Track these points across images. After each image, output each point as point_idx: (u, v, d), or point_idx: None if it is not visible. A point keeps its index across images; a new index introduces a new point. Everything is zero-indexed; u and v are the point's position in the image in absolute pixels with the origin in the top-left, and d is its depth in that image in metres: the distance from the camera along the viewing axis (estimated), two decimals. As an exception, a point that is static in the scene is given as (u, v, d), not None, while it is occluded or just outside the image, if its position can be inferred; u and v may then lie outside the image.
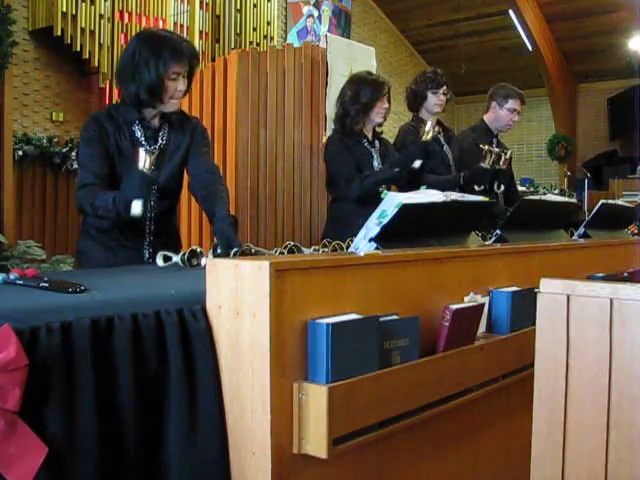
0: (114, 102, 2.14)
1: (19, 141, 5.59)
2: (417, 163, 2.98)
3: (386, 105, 3.09)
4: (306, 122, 4.05)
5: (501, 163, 3.37)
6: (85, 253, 2.29)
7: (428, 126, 3.04)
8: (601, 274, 2.38)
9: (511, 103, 3.66)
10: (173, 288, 1.43)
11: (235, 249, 1.85)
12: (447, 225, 1.96)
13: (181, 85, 2.15)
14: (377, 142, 3.16)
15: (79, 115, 6.41)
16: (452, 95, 3.66)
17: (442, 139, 3.59)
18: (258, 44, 7.22)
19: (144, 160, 1.97)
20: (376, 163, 3.11)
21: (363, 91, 3.04)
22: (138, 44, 2.14)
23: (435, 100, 3.51)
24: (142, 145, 2.16)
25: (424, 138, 3.03)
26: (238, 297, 1.29)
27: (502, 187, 3.57)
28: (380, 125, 3.19)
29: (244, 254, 1.91)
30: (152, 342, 1.26)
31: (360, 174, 3.00)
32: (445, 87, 3.52)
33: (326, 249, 2.16)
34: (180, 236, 2.52)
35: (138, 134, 2.18)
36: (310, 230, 4.08)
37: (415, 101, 3.56)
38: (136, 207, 1.96)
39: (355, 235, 1.86)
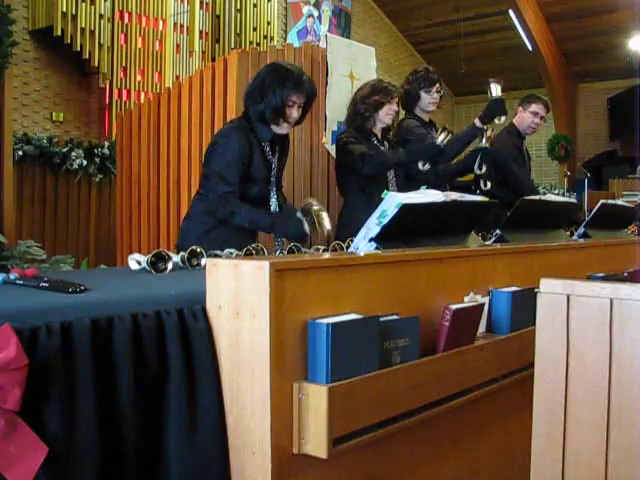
0: (237, 117, 2.75)
1: (19, 141, 5.59)
2: (426, 167, 3.17)
3: (395, 108, 3.19)
4: (306, 122, 4.02)
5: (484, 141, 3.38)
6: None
7: (441, 137, 3.16)
8: (601, 274, 2.38)
9: (534, 107, 4.02)
10: (173, 288, 1.43)
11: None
12: (447, 225, 1.95)
13: (295, 113, 2.56)
14: (386, 143, 3.24)
15: (79, 115, 6.42)
16: (449, 91, 3.68)
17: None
18: (258, 44, 7.23)
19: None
20: None
21: (374, 93, 3.16)
22: (268, 72, 2.57)
23: (429, 99, 3.53)
24: (269, 158, 2.58)
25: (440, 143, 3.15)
26: (238, 297, 1.29)
27: (484, 168, 3.48)
28: (388, 128, 3.25)
29: (245, 254, 1.91)
30: (152, 342, 1.26)
31: (375, 151, 3.09)
32: (438, 85, 3.54)
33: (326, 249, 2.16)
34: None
35: (267, 149, 2.59)
36: (310, 230, 4.06)
37: (409, 101, 3.58)
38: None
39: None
